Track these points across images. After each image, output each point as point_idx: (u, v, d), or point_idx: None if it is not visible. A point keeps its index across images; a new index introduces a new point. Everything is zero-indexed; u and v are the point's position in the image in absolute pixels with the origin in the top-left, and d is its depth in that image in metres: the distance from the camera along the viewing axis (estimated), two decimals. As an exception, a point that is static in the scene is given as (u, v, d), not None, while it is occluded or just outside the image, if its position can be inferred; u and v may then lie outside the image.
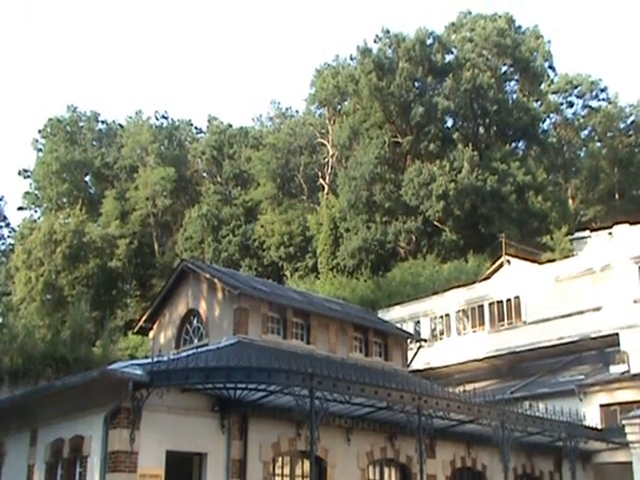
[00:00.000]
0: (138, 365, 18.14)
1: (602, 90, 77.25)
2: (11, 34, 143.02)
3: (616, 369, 32.60)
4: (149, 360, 18.93)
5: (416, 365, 36.48)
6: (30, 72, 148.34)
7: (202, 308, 27.46)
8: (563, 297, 36.91)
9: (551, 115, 76.67)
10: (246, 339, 25.13)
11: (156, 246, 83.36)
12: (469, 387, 32.26)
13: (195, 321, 27.85)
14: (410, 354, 32.34)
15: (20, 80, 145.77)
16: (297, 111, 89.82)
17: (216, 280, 26.94)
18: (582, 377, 33.67)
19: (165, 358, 18.86)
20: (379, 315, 41.95)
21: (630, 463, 27.49)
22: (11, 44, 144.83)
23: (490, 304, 40.64)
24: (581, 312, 35.87)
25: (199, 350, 22.69)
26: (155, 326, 29.82)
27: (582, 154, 77.11)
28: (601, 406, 31.63)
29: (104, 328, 62.29)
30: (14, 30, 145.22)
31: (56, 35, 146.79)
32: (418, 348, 33.22)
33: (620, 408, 30.76)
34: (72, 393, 19.44)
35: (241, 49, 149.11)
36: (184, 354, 20.99)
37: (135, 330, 31.74)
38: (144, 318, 30.21)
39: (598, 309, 35.36)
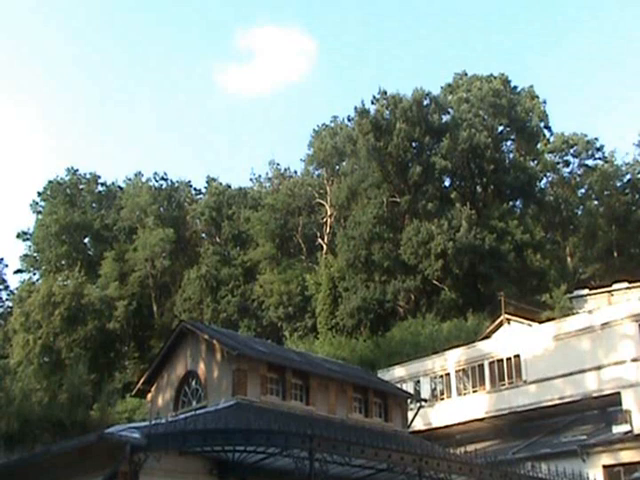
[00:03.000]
0: (136, 428, 18.04)
1: (598, 149, 78.00)
2: (12, 93, 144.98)
3: (619, 429, 32.31)
4: (147, 423, 18.81)
5: (417, 426, 36.21)
6: (30, 134, 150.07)
7: (201, 369, 27.35)
8: (563, 356, 36.78)
9: (548, 174, 77.29)
10: (245, 401, 24.99)
11: (155, 307, 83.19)
12: (470, 448, 31.86)
13: (194, 383, 27.70)
14: (410, 414, 32.10)
15: (20, 142, 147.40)
16: (295, 172, 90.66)
17: (215, 341, 26.88)
18: (584, 437, 33.34)
19: (163, 421, 18.75)
20: (379, 375, 41.72)
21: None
22: (11, 103, 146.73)
23: (490, 363, 40.46)
24: (582, 371, 35.70)
25: (197, 412, 22.52)
26: (153, 388, 29.63)
27: (579, 212, 77.44)
28: (604, 467, 31.20)
29: (102, 391, 61.97)
30: (15, 89, 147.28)
31: (56, 97, 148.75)
32: (418, 408, 32.99)
33: (624, 469, 30.36)
34: (69, 458, 19.27)
35: (238, 110, 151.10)
36: (182, 416, 20.86)
37: (133, 393, 31.55)
38: (142, 380, 30.03)
39: (599, 368, 35.21)
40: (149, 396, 29.93)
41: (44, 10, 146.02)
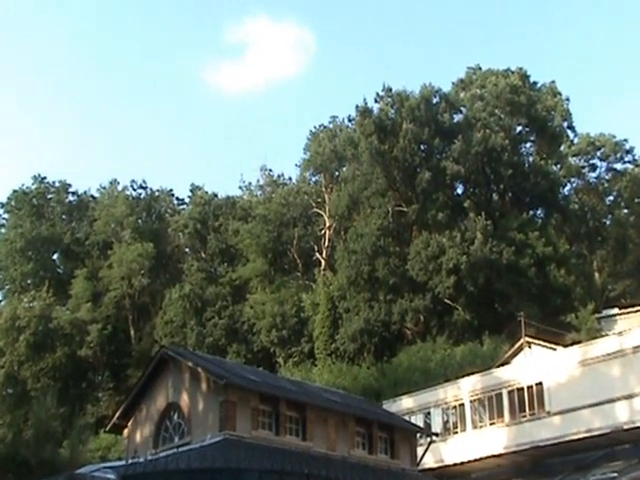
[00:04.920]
0: (110, 468, 18.09)
1: (628, 152, 78.20)
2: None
3: (653, 465, 32.31)
4: (123, 462, 18.84)
5: (427, 463, 36.14)
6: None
7: (184, 401, 27.34)
8: (591, 383, 36.71)
9: (572, 179, 77.48)
10: (234, 436, 24.97)
11: (132, 332, 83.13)
12: (488, 488, 31.94)
13: (176, 416, 27.69)
14: (420, 450, 32.08)
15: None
16: (290, 178, 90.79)
17: (200, 369, 26.90)
18: (615, 475, 33.28)
19: (142, 459, 18.77)
20: (384, 406, 41.67)
21: None
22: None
23: (509, 392, 40.39)
24: (612, 400, 35.62)
25: (180, 450, 22.55)
26: (130, 423, 29.63)
27: (608, 222, 77.61)
28: (637, 507, 31.23)
29: (72, 426, 61.86)
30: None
31: (20, 97, 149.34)
32: (429, 443, 32.97)
33: (658, 509, 30.38)
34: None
35: (226, 110, 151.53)
36: (163, 454, 20.90)
37: (108, 428, 31.55)
38: (118, 414, 30.05)
39: (631, 396, 35.13)
40: (126, 432, 29.91)
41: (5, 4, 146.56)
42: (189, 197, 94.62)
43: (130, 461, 18.51)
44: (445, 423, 42.88)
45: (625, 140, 78.05)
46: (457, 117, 71.52)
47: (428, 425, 42.07)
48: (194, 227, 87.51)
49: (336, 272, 69.27)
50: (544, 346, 43.56)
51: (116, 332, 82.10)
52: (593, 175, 78.94)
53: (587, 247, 74.88)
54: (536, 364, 40.39)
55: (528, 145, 76.36)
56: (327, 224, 78.95)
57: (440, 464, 40.30)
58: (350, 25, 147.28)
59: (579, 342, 43.46)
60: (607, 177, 78.93)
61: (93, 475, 17.64)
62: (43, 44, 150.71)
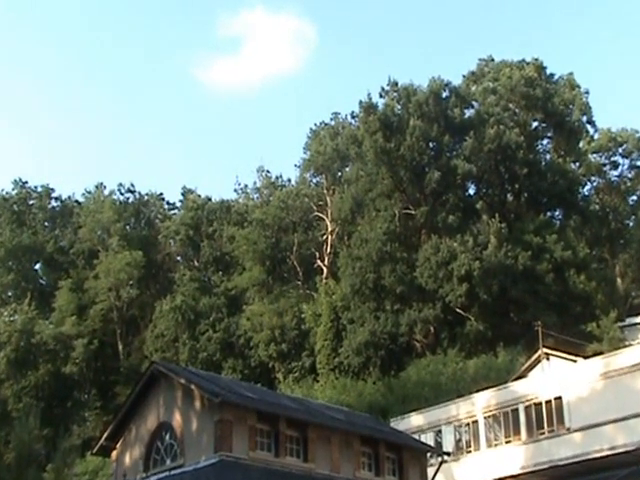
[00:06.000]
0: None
1: (653, 148, 78.32)
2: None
3: (682, 484, 32.35)
4: (111, 486, 18.91)
5: (438, 485, 36.08)
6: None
7: (176, 421, 27.38)
8: (614, 397, 36.74)
9: (592, 178, 77.60)
10: (230, 458, 25.02)
11: (120, 347, 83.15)
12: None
13: (168, 437, 27.73)
14: (431, 471, 32.10)
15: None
16: (289, 180, 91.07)
17: (193, 386, 26.94)
18: (641, 495, 33.37)
19: (131, 483, 18.84)
20: (392, 424, 41.78)
21: None
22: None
23: (526, 408, 40.42)
24: (637, 415, 35.68)
25: (173, 473, 22.64)
26: (119, 445, 29.66)
27: (631, 223, 77.66)
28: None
29: (57, 448, 61.81)
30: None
31: None
32: (440, 464, 32.99)
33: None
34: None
35: (221, 109, 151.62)
36: (154, 478, 20.94)
37: (95, 450, 31.61)
38: (105, 435, 30.07)
39: (657, 411, 35.25)
40: (114, 454, 29.94)
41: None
42: (181, 201, 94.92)
43: (119, 485, 18.55)
44: (457, 442, 42.91)
45: (650, 135, 78.30)
46: (468, 112, 71.67)
47: (439, 444, 42.11)
48: (186, 233, 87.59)
49: (339, 280, 69.31)
50: (563, 358, 43.58)
51: (103, 347, 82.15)
52: (615, 173, 79.21)
53: (609, 251, 74.91)
54: (555, 377, 40.41)
55: (545, 142, 76.56)
56: (329, 229, 79.04)
57: (452, 486, 40.34)
58: (354, 15, 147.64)
59: (601, 353, 43.53)
60: (630, 175, 79.05)
61: (79, 500, 17.70)
62: (23, 41, 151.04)
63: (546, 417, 39.37)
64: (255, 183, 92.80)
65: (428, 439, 41.73)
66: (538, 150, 73.99)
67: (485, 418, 42.12)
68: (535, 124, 74.46)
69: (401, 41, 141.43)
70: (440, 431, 43.56)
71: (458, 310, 61.93)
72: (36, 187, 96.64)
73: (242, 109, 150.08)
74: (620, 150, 78.12)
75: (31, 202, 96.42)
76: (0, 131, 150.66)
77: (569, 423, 38.18)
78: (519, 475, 39.70)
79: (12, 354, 74.47)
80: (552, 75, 77.35)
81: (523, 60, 76.44)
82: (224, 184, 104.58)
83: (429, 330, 63.88)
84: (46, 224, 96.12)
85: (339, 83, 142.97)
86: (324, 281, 74.85)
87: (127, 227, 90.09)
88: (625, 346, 42.09)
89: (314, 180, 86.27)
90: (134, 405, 29.19)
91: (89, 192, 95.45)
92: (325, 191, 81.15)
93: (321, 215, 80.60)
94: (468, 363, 56.25)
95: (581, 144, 76.83)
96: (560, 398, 38.96)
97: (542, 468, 38.75)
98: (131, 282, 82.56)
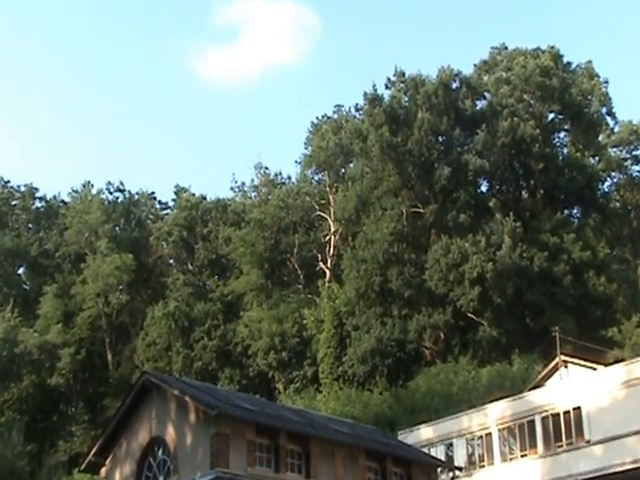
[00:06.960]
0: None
1: (677, 141, 78.32)
2: None
3: None
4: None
5: (450, 502, 36.11)
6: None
7: (169, 435, 27.43)
8: (637, 407, 36.76)
9: (612, 174, 77.59)
10: (227, 474, 25.09)
11: (109, 356, 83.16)
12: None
13: (160, 452, 27.79)
14: (441, 487, 32.14)
15: None
16: (289, 178, 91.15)
17: (187, 398, 26.99)
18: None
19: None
20: (399, 437, 41.76)
21: None
22: None
23: (543, 419, 40.43)
24: (661, 426, 35.76)
25: (166, 490, 22.68)
26: (109, 461, 29.72)
27: (654, 222, 77.70)
28: None
29: (42, 465, 61.97)
30: None
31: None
32: (451, 479, 32.99)
33: None
34: None
35: (216, 102, 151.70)
36: (146, 496, 21.00)
37: (83, 467, 31.73)
38: (94, 451, 30.15)
39: (683, 421, 35.27)
40: (103, 470, 30.01)
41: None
42: (173, 200, 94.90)
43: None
44: (470, 456, 42.92)
45: (674, 128, 78.25)
46: (480, 104, 71.82)
47: (450, 458, 42.12)
48: (179, 235, 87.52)
49: (343, 284, 69.34)
50: (582, 365, 43.58)
51: (91, 357, 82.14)
52: (636, 169, 79.28)
53: (630, 251, 74.93)
54: (574, 386, 40.42)
55: (562, 135, 76.68)
56: (332, 229, 79.02)
57: (465, 503, 40.37)
58: (358, 2, 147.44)
59: (622, 360, 43.51)
60: (653, 171, 79.07)
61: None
62: (5, 33, 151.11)
63: (564, 429, 39.38)
64: (253, 181, 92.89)
65: (438, 453, 41.74)
66: (555, 144, 74.13)
67: (499, 430, 42.13)
68: (551, 116, 74.54)
69: (408, 29, 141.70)
70: (451, 444, 43.58)
71: (470, 315, 61.95)
72: (19, 186, 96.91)
73: (239, 102, 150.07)
74: (642, 144, 78.17)
75: (14, 202, 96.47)
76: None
77: (589, 435, 38.19)
78: (536, 491, 39.76)
79: (-6, 365, 74.55)
80: (569, 64, 77.46)
81: (538, 48, 76.49)
82: (220, 182, 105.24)
83: (439, 336, 63.90)
84: (30, 226, 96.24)
85: (342, 73, 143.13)
86: (327, 285, 74.79)
87: (116, 228, 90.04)
88: (648, 352, 42.06)
89: (316, 177, 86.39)
90: (124, 418, 29.23)
91: (75, 191, 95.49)
92: (327, 189, 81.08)
93: (323, 214, 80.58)
94: (481, 372, 56.28)
95: (600, 137, 76.90)
96: (579, 408, 38.97)
97: (561, 483, 38.80)
98: (121, 287, 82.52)
